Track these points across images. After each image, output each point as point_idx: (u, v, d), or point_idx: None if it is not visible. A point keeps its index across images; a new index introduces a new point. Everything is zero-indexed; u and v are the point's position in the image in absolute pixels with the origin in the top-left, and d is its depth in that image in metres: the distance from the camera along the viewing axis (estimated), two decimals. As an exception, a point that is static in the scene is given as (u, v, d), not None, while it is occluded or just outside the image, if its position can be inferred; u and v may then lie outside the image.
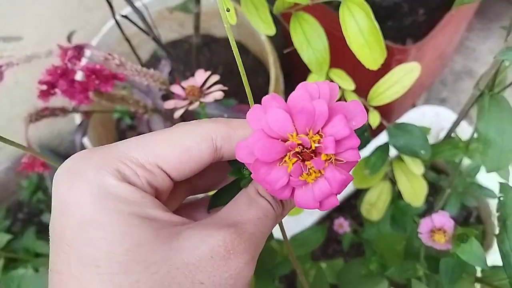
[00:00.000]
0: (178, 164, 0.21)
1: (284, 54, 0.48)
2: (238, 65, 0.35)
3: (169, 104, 0.33)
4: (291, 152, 0.18)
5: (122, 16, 0.51)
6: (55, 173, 0.20)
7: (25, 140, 0.48)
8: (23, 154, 0.47)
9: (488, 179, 0.71)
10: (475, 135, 0.47)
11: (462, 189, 0.66)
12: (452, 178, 0.59)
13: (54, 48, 0.43)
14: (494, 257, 0.70)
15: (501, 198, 0.36)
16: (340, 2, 0.38)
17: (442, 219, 0.33)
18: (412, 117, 0.76)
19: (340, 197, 0.76)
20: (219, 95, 0.33)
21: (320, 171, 0.18)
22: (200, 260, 0.19)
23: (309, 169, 0.18)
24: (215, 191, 0.26)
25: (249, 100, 0.27)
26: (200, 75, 0.35)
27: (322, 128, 0.18)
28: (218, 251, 0.19)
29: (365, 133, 0.48)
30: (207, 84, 0.35)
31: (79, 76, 0.41)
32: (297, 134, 0.18)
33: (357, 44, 0.38)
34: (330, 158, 0.18)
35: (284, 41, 0.83)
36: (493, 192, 0.61)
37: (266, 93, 0.72)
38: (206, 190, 0.27)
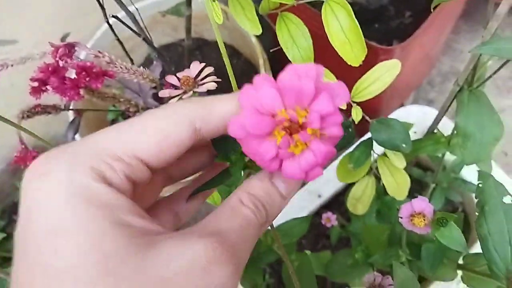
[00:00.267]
0: (158, 151, 0.20)
1: (275, 56, 0.49)
2: (225, 63, 0.37)
3: (164, 93, 0.34)
4: (280, 126, 0.19)
5: (113, 16, 0.53)
6: (24, 175, 0.19)
7: (18, 139, 0.49)
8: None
9: (472, 175, 0.73)
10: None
11: (447, 184, 0.68)
12: (436, 173, 0.61)
13: (49, 50, 0.44)
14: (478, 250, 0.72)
15: (480, 185, 0.38)
16: (323, 2, 0.40)
17: (422, 204, 0.35)
18: (398, 116, 0.78)
19: (328, 193, 0.78)
20: (212, 85, 0.35)
21: (306, 144, 0.20)
22: (178, 274, 0.17)
23: (296, 141, 0.20)
24: (193, 178, 0.27)
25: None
26: (195, 66, 0.37)
27: (308, 105, 0.19)
28: (199, 262, 0.17)
29: (350, 129, 0.50)
30: (201, 75, 0.37)
31: (70, 74, 0.42)
32: (286, 110, 0.20)
33: (339, 41, 0.40)
34: (316, 132, 0.20)
35: (273, 44, 0.85)
36: (477, 187, 0.63)
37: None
38: (182, 177, 0.26)
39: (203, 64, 0.38)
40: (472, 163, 0.42)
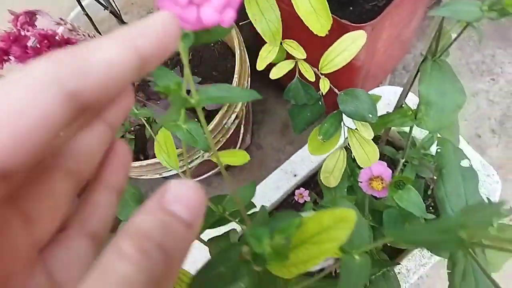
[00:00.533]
0: (12, 145, 0.12)
1: (252, 38, 0.49)
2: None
3: None
4: None
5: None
6: None
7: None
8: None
9: (441, 151, 0.75)
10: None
11: (417, 161, 0.69)
12: (405, 148, 0.62)
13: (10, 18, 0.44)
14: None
15: (439, 150, 0.40)
16: (289, -27, 0.41)
17: (380, 168, 0.36)
18: (372, 96, 0.80)
19: (304, 173, 0.79)
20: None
21: None
22: None
23: None
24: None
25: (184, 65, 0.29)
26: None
27: None
28: None
29: (320, 102, 0.51)
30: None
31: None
32: None
33: (305, 10, 0.41)
34: None
35: (243, 17, 0.85)
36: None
37: (233, 77, 0.74)
38: (84, 174, 0.18)
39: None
40: (436, 131, 0.44)
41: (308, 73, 0.48)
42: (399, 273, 0.72)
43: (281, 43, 0.47)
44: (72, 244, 0.17)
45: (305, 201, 0.71)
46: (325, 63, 0.46)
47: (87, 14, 0.63)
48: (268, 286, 0.29)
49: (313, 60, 0.49)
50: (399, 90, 0.80)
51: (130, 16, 0.93)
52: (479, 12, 0.33)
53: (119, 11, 0.61)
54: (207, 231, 0.45)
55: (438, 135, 0.48)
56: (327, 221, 0.32)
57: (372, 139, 0.54)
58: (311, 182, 0.84)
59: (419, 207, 0.38)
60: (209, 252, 0.48)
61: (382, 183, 0.36)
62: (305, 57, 0.46)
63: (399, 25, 0.79)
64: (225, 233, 0.49)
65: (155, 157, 0.65)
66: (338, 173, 0.56)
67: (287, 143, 1.16)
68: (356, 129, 0.54)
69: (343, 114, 0.51)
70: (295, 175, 0.80)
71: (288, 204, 0.80)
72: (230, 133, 0.79)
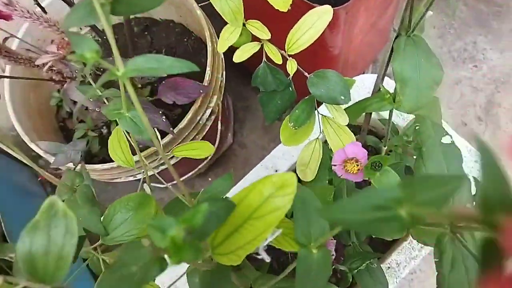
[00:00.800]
0: None
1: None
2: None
3: (42, 60, 0.31)
4: None
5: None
6: None
7: None
8: None
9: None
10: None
11: (401, 149, 0.66)
12: (386, 134, 0.59)
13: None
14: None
15: (417, 127, 0.36)
16: None
17: (354, 148, 0.33)
18: (351, 85, 0.77)
19: (285, 167, 0.76)
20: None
21: None
22: None
23: None
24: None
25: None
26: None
27: None
28: None
29: (290, 88, 0.48)
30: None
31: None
32: None
33: (264, -15, 0.38)
34: None
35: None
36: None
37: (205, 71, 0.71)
38: None
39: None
40: (413, 110, 0.40)
41: (275, 55, 0.44)
42: (389, 267, 0.69)
43: (244, 25, 0.44)
44: None
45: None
46: (292, 43, 0.43)
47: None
48: (221, 284, 0.26)
49: (281, 43, 0.46)
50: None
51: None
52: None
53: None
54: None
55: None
56: (267, 189, 0.29)
57: (353, 130, 0.51)
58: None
59: (397, 190, 0.34)
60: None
61: (357, 165, 0.33)
62: (269, 37, 0.43)
63: (375, 11, 0.76)
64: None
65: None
66: (315, 166, 0.53)
67: (271, 140, 1.13)
68: (332, 117, 0.51)
69: (316, 100, 0.48)
70: (276, 170, 0.76)
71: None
72: (206, 130, 0.76)
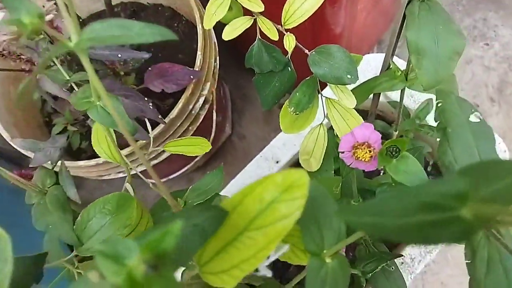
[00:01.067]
0: None
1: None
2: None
3: None
4: None
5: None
6: None
7: None
8: None
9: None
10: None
11: (413, 134, 0.61)
12: (398, 117, 0.53)
13: None
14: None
15: (440, 105, 0.31)
16: None
17: (365, 131, 0.27)
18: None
19: (287, 158, 0.70)
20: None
21: None
22: None
23: None
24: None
25: None
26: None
27: None
28: None
29: (289, 67, 0.42)
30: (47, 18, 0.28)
31: None
32: None
33: None
34: None
35: None
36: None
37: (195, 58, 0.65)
38: None
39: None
40: (432, 86, 0.35)
41: (270, 31, 0.38)
42: (402, 263, 0.63)
43: (233, -4, 0.38)
44: None
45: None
46: (288, 15, 0.37)
47: None
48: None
49: (276, 18, 0.40)
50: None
51: (83, 1, 0.83)
52: None
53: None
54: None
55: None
56: (269, 192, 0.23)
57: (359, 114, 0.45)
58: (297, 168, 0.75)
59: (420, 178, 0.29)
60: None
61: (369, 151, 0.27)
62: (263, 10, 0.37)
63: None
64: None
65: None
66: (320, 154, 0.47)
67: (272, 130, 1.07)
68: (337, 100, 0.45)
69: (319, 81, 0.42)
70: (277, 162, 0.71)
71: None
72: (200, 120, 0.70)
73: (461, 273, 0.92)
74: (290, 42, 0.37)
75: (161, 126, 0.61)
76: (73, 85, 0.38)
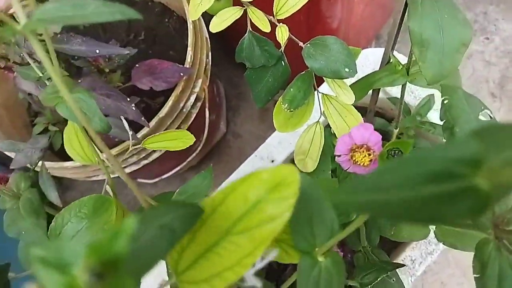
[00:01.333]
0: None
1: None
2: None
3: None
4: None
5: None
6: None
7: None
8: None
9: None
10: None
11: (414, 131, 0.58)
12: (398, 114, 0.51)
13: None
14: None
15: (446, 101, 0.28)
16: None
17: (364, 132, 0.24)
18: (354, 62, 0.68)
19: (283, 157, 0.67)
20: None
21: None
22: None
23: None
24: None
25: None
26: None
27: None
28: None
29: (282, 61, 0.40)
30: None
31: None
32: None
33: None
34: None
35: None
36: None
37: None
38: None
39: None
40: (437, 81, 0.32)
41: (261, 22, 0.36)
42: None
43: (221, -16, 0.35)
44: None
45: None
46: (281, 4, 0.34)
47: None
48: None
49: (268, 8, 0.37)
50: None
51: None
52: None
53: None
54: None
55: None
56: (254, 191, 0.20)
57: (357, 111, 0.43)
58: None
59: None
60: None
61: (369, 154, 0.24)
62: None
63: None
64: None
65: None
66: (316, 154, 0.45)
67: (267, 129, 1.05)
68: (334, 96, 0.42)
69: (315, 76, 0.39)
70: (272, 161, 0.68)
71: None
72: (192, 119, 0.67)
73: (461, 273, 0.90)
74: (283, 34, 0.35)
75: (151, 123, 0.58)
76: (46, 82, 0.35)
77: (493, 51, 1.03)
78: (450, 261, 0.91)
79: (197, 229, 0.22)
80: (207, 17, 0.61)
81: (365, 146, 0.25)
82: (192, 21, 0.63)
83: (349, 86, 0.41)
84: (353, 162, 0.25)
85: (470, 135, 0.13)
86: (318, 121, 0.45)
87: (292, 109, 0.38)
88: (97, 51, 0.37)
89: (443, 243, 0.34)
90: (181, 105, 0.62)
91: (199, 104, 0.67)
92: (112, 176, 0.70)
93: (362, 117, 0.46)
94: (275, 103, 0.42)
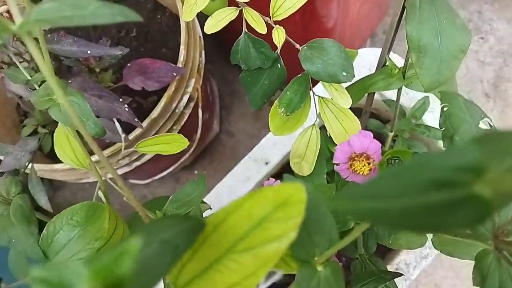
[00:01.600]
0: None
1: None
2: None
3: None
4: None
5: None
6: None
7: None
8: None
9: (437, 118, 0.64)
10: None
11: (409, 134, 0.58)
12: (394, 117, 0.50)
13: None
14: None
15: (445, 108, 0.27)
16: None
17: (364, 140, 0.24)
18: (349, 62, 0.67)
19: (277, 159, 0.67)
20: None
21: None
22: None
23: None
24: None
25: None
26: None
27: None
28: None
29: (278, 64, 0.39)
30: None
31: None
32: None
33: None
34: None
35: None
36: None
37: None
38: None
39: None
40: (434, 87, 0.31)
41: (258, 23, 0.35)
42: (397, 269, 0.60)
43: (216, -15, 0.34)
44: None
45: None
46: (278, 5, 0.34)
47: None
48: None
49: (264, 9, 0.36)
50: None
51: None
52: None
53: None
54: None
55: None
56: (259, 209, 0.20)
57: (353, 112, 0.42)
58: (287, 169, 0.71)
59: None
60: None
61: (368, 163, 0.24)
62: (249, 0, 0.33)
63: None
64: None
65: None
66: (312, 158, 0.44)
67: (261, 127, 1.04)
68: (330, 98, 0.41)
69: (310, 78, 0.39)
70: (266, 163, 0.67)
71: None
72: (185, 119, 0.66)
73: (455, 275, 0.90)
74: (279, 36, 0.34)
75: (143, 123, 0.57)
76: (36, 86, 0.34)
77: (487, 51, 1.03)
78: (444, 263, 0.91)
79: (198, 245, 0.21)
80: (200, 15, 0.60)
81: (364, 154, 0.24)
82: (184, 21, 0.62)
83: (345, 89, 0.40)
84: (352, 171, 0.24)
85: (471, 142, 0.13)
86: (314, 124, 0.44)
87: (288, 113, 0.37)
88: (89, 52, 0.36)
89: (440, 251, 0.34)
90: (174, 105, 0.61)
91: (192, 104, 0.66)
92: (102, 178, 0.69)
93: (357, 117, 0.46)
94: (270, 103, 0.41)
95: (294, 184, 0.19)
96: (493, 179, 0.12)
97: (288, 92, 0.38)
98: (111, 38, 0.76)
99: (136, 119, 0.44)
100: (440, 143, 0.66)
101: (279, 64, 0.39)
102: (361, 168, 0.24)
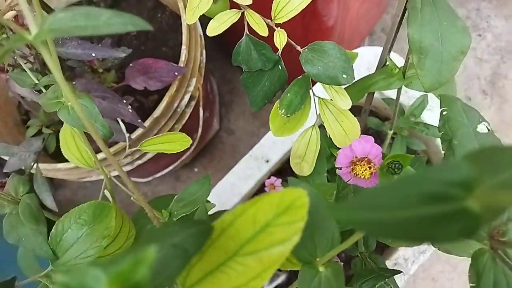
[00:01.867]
0: None
1: None
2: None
3: None
4: None
5: None
6: None
7: None
8: None
9: (435, 116, 0.64)
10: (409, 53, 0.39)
11: (407, 132, 0.58)
12: (393, 116, 0.51)
13: None
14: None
15: (444, 113, 0.28)
16: None
17: (365, 145, 0.24)
18: (349, 61, 0.68)
19: (277, 157, 0.67)
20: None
21: None
22: None
23: None
24: None
25: None
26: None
27: None
28: None
29: (279, 66, 0.39)
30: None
31: None
32: None
33: None
34: None
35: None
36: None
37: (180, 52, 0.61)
38: None
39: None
40: (435, 88, 0.32)
41: (259, 25, 0.35)
42: (395, 264, 0.62)
43: (218, -12, 0.35)
44: None
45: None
46: (279, 9, 0.34)
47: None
48: None
49: (266, 11, 0.37)
50: (380, 50, 0.69)
51: (59, -10, 0.78)
52: None
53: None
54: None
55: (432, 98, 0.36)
56: (264, 214, 0.20)
57: (352, 110, 0.43)
58: (288, 167, 0.72)
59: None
60: None
61: (370, 167, 0.24)
62: (251, 3, 0.34)
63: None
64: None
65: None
66: (312, 158, 0.45)
67: (261, 125, 1.04)
68: (330, 99, 0.42)
69: (311, 80, 0.39)
70: (267, 161, 0.68)
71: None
72: (186, 118, 0.67)
73: (452, 269, 0.92)
74: (281, 39, 0.34)
75: (145, 123, 0.57)
76: (42, 88, 0.35)
77: (485, 48, 1.04)
78: (441, 258, 0.92)
79: (206, 248, 0.22)
80: (201, 14, 0.60)
81: (366, 159, 0.25)
82: (185, 21, 0.63)
83: (345, 89, 0.41)
84: (354, 175, 0.25)
85: (464, 159, 0.14)
86: (314, 125, 0.44)
87: (289, 115, 0.38)
88: (93, 54, 0.37)
89: (438, 249, 0.35)
90: (175, 105, 0.62)
91: (193, 103, 0.67)
92: (98, 177, 0.70)
93: (357, 116, 0.46)
94: (270, 101, 0.42)
95: (297, 189, 0.20)
96: (482, 195, 0.13)
97: (288, 94, 0.38)
98: (112, 37, 0.77)
99: (139, 120, 0.44)
100: (438, 140, 0.67)
101: (280, 66, 0.39)
102: (362, 172, 0.25)
